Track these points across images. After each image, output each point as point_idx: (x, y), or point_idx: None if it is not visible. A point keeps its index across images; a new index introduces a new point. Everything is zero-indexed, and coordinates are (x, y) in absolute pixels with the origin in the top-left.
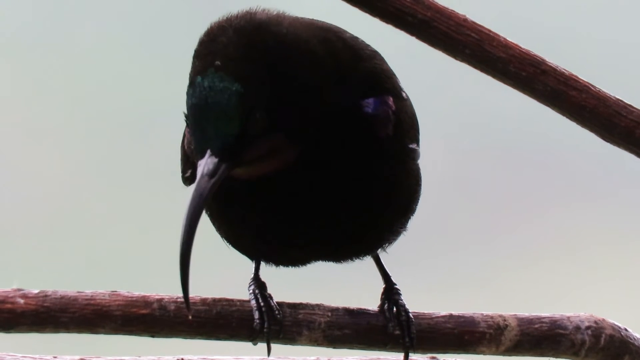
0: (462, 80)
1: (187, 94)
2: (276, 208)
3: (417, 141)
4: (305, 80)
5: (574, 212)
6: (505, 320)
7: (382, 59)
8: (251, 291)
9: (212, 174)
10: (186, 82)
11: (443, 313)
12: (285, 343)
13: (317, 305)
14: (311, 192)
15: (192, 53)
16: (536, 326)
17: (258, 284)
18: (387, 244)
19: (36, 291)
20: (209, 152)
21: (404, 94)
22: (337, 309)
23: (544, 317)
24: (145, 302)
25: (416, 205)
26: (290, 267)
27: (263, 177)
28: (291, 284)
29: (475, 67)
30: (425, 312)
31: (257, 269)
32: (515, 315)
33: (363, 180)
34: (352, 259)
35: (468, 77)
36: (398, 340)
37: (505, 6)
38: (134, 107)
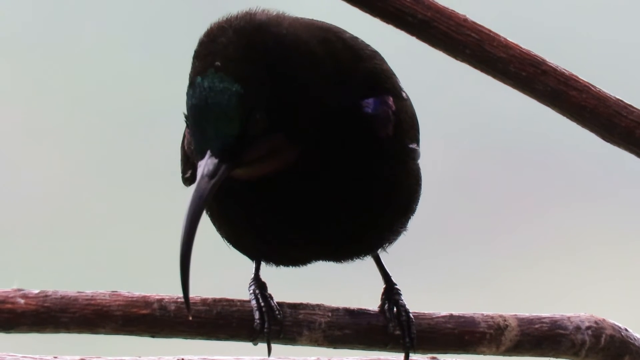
0: (462, 80)
1: (187, 94)
2: (276, 208)
3: (417, 141)
4: (305, 80)
5: (574, 212)
6: (505, 320)
7: (382, 59)
8: (251, 291)
9: (212, 174)
10: (186, 82)
11: (443, 313)
12: (286, 343)
13: (318, 305)
14: (311, 192)
15: (192, 53)
16: (536, 326)
17: (258, 284)
18: (387, 244)
19: (36, 291)
20: (209, 152)
21: (404, 94)
22: (337, 309)
23: (544, 318)
24: (145, 302)
25: (416, 205)
26: (290, 267)
27: (263, 177)
28: (291, 284)
29: (476, 67)
30: (426, 312)
31: (257, 269)
32: (516, 315)
33: (363, 180)
34: (352, 259)
35: (468, 77)
36: (398, 341)
37: (505, 6)
38: (134, 107)
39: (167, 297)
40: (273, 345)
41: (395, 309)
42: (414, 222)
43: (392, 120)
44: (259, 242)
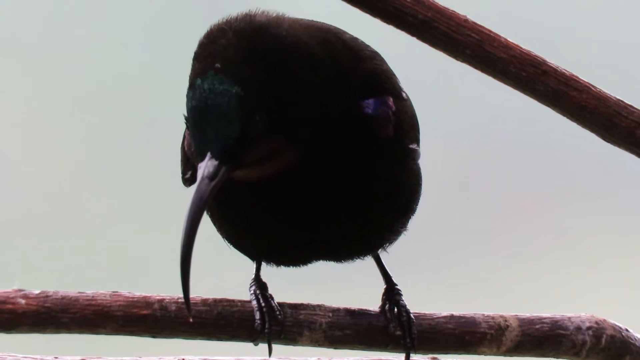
0: (462, 80)
1: (187, 96)
2: (277, 208)
3: (417, 141)
4: (305, 81)
5: (574, 212)
6: (506, 320)
7: (382, 60)
8: (252, 291)
9: (212, 176)
10: (186, 82)
11: (444, 313)
12: (286, 343)
13: (318, 305)
14: (312, 192)
15: (192, 54)
16: (537, 327)
17: (259, 284)
18: (387, 244)
19: (37, 292)
20: (209, 154)
21: (404, 95)
22: (338, 310)
23: (545, 318)
24: (146, 302)
25: (416, 205)
26: (291, 267)
27: (264, 178)
28: (292, 285)
29: (476, 67)
30: (426, 312)
31: (258, 269)
32: (516, 315)
33: (363, 181)
34: (352, 259)
35: (468, 77)
36: (399, 341)
37: (505, 6)
38: (134, 107)
39: (168, 297)
40: (274, 346)
41: (396, 310)
42: (414, 222)
43: (392, 121)
44: (259, 242)
